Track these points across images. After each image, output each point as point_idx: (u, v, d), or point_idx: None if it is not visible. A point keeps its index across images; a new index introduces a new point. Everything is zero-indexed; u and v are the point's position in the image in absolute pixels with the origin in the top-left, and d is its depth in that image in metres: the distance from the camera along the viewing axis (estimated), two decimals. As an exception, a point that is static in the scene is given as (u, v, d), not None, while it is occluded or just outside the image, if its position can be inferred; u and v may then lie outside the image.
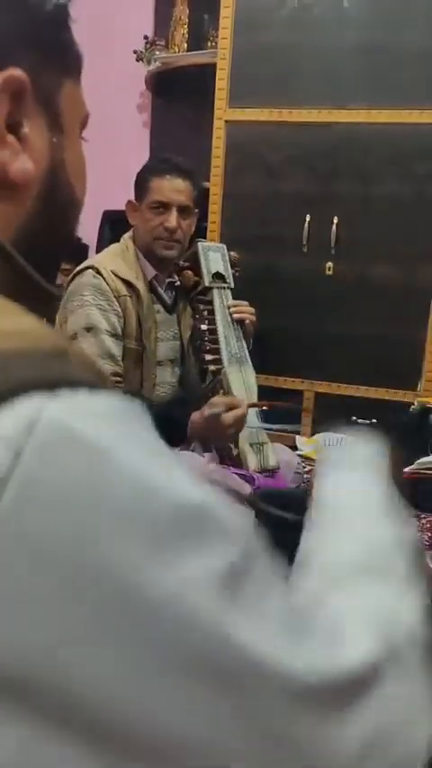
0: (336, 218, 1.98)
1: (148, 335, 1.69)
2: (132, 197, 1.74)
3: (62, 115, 0.48)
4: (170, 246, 1.69)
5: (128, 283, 1.66)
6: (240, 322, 1.72)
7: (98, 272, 1.63)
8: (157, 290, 1.75)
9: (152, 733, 0.33)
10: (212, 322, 1.68)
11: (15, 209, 0.46)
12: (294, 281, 2.05)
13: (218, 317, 1.68)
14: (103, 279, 1.62)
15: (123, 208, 1.77)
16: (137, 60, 2.61)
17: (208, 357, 1.64)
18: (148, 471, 0.34)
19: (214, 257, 1.76)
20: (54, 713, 0.32)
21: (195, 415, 1.54)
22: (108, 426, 0.35)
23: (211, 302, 1.70)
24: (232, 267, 1.78)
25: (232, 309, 1.71)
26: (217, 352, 1.64)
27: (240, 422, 1.53)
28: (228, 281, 1.75)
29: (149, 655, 0.32)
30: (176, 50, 2.55)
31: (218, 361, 1.64)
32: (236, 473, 1.47)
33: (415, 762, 0.39)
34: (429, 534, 1.15)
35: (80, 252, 2.36)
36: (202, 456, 1.54)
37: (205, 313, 1.68)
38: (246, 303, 1.75)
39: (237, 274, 1.79)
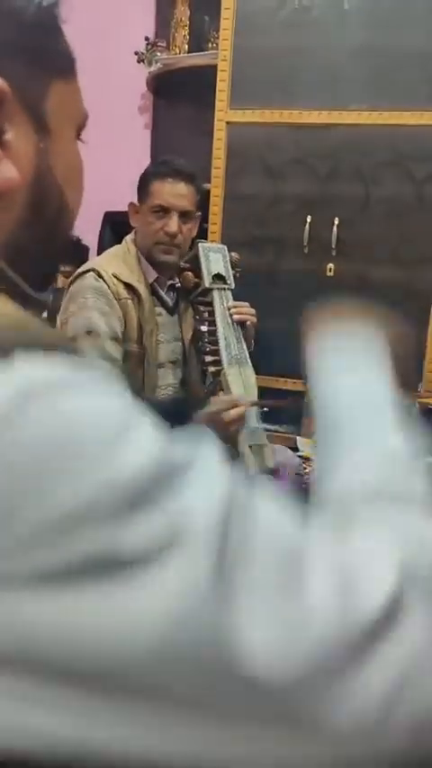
0: (336, 219, 1.98)
1: (149, 338, 1.69)
2: (133, 198, 1.74)
3: (50, 119, 0.48)
4: (169, 251, 1.70)
5: (129, 286, 1.66)
6: (241, 323, 1.72)
7: (99, 276, 1.62)
8: (158, 292, 1.75)
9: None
10: (213, 323, 1.67)
11: (1, 216, 0.46)
12: (295, 282, 2.05)
13: (218, 318, 1.68)
14: (105, 282, 1.62)
15: (124, 209, 1.76)
16: (138, 62, 2.61)
17: (208, 358, 1.63)
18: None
19: (215, 258, 1.75)
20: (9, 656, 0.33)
21: (200, 415, 1.53)
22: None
23: (211, 303, 1.69)
24: (233, 268, 1.78)
25: (233, 311, 1.70)
26: (217, 353, 1.64)
27: (242, 419, 1.53)
28: (228, 282, 1.75)
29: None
30: (177, 52, 2.55)
31: (217, 363, 1.63)
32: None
33: None
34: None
35: (81, 253, 2.36)
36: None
37: (205, 314, 1.68)
38: (246, 304, 1.75)
39: (237, 275, 1.79)
